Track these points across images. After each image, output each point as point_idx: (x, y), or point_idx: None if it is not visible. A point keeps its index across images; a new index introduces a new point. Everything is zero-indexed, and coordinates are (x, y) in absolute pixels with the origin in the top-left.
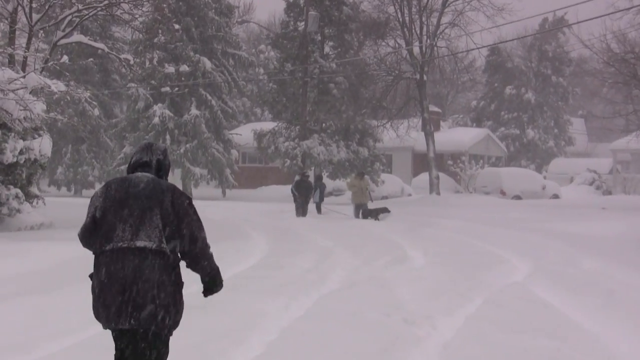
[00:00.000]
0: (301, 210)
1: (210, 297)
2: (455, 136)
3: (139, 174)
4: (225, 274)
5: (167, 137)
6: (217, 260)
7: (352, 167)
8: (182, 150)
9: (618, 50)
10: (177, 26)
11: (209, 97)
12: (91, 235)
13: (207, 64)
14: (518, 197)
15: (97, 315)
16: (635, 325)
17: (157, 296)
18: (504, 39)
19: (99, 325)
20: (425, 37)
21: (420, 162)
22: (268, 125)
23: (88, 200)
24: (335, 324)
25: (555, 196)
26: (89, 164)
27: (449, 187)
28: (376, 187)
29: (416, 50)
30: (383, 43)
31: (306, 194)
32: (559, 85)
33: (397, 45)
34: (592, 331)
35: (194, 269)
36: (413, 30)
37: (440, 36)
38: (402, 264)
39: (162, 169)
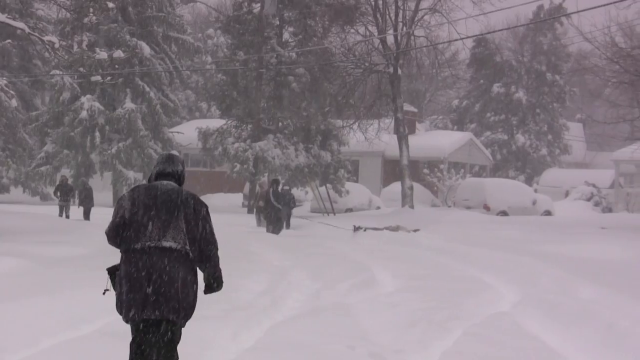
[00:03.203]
0: (275, 226)
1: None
2: (433, 141)
3: (164, 182)
4: None
5: (97, 134)
6: None
7: (313, 173)
8: (113, 150)
9: (624, 44)
10: (111, 4)
11: (147, 89)
12: (118, 234)
13: (146, 49)
14: (504, 213)
15: (123, 307)
16: None
17: (180, 291)
18: (493, 28)
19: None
20: (401, 24)
21: (392, 170)
22: (215, 123)
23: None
24: (289, 356)
25: (548, 213)
26: (4, 163)
27: (424, 200)
28: (339, 197)
29: (390, 39)
30: (352, 30)
31: (282, 206)
32: (555, 84)
33: (368, 33)
34: None
35: (203, 269)
36: (387, 16)
37: (419, 24)
38: (369, 289)
39: (181, 178)
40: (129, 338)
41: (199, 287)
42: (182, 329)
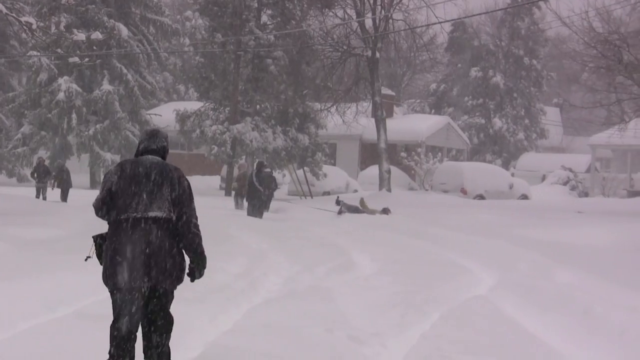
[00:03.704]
0: (257, 209)
1: None
2: (411, 124)
3: (149, 156)
4: None
5: (74, 115)
6: None
7: (290, 156)
8: (90, 132)
9: (601, 29)
10: None
11: (125, 71)
12: (104, 206)
13: (124, 31)
14: (481, 197)
15: (109, 277)
16: (615, 350)
17: (168, 258)
18: (471, 12)
19: None
20: (379, 7)
21: (369, 154)
22: (193, 106)
23: None
24: (267, 339)
25: (524, 197)
26: None
27: (401, 183)
28: (317, 180)
29: (368, 22)
30: (330, 13)
31: (268, 189)
32: (532, 69)
33: (346, 16)
34: (567, 356)
35: (182, 239)
36: None
37: (397, 7)
38: (347, 272)
39: (165, 153)
40: (106, 320)
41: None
42: (174, 291)
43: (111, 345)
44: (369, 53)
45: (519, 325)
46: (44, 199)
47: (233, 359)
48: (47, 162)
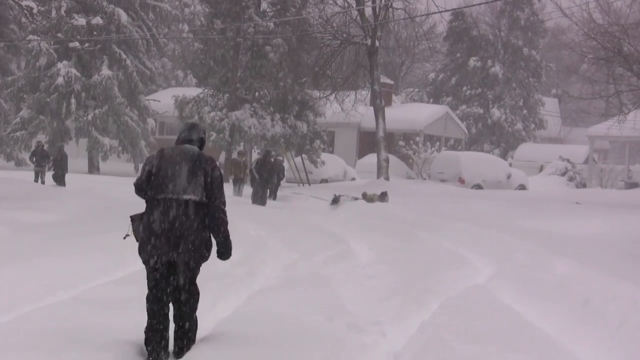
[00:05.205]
0: (259, 197)
1: (127, 294)
2: (409, 113)
3: (187, 145)
4: (139, 266)
5: (73, 100)
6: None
7: (288, 144)
8: (89, 117)
9: (601, 21)
10: None
11: (124, 56)
12: (145, 186)
13: (123, 16)
14: (479, 187)
15: (144, 250)
16: (615, 340)
17: (196, 236)
18: (471, 2)
19: None
20: None
21: (367, 142)
22: (192, 92)
23: None
24: (268, 327)
25: (522, 187)
26: None
27: (399, 172)
28: (315, 168)
29: (368, 11)
30: (330, 1)
31: (268, 177)
32: (531, 59)
33: (346, 4)
34: (566, 346)
35: (211, 223)
36: None
37: None
38: (345, 260)
39: (202, 144)
40: (106, 305)
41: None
42: (200, 267)
43: (148, 313)
44: (369, 41)
45: (518, 315)
46: (43, 182)
47: (233, 346)
48: (45, 147)
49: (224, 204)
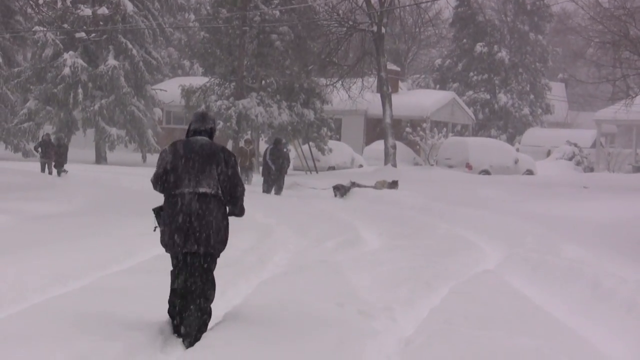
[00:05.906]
0: (277, 187)
1: (137, 283)
2: (416, 100)
3: (198, 137)
4: (149, 255)
5: (80, 90)
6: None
7: (296, 131)
8: (96, 107)
9: (607, 4)
10: None
11: (130, 46)
12: (160, 182)
13: (129, 6)
14: (486, 172)
15: (166, 241)
16: (625, 324)
17: (213, 227)
18: None
19: None
20: None
21: (374, 129)
22: (198, 81)
23: None
24: (279, 314)
25: (529, 172)
26: None
27: (406, 159)
28: (322, 155)
29: None
30: None
31: (281, 166)
32: (538, 44)
33: None
34: (576, 330)
35: (230, 207)
36: None
37: None
38: (354, 247)
39: (213, 133)
40: (116, 294)
41: (229, 223)
42: (218, 258)
43: (169, 301)
44: (375, 28)
45: (528, 300)
46: (50, 173)
47: (246, 333)
48: (52, 138)
49: (242, 187)
